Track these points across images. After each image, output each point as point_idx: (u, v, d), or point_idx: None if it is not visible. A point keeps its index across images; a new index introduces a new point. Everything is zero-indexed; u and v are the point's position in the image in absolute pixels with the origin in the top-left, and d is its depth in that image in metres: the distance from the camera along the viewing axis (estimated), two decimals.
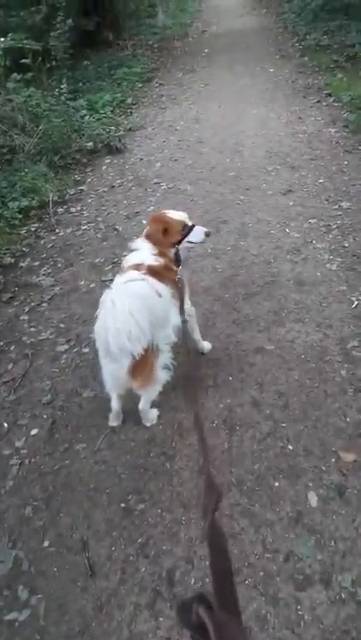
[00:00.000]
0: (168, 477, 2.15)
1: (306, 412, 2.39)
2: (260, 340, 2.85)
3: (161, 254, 2.31)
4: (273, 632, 1.64)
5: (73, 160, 5.79)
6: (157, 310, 2.02)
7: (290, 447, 2.23)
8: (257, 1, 17.24)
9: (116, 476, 2.18)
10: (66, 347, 2.99)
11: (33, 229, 4.41)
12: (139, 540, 1.93)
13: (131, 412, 2.38)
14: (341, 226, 3.91)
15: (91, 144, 6.07)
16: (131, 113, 7.43)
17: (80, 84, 8.35)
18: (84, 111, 6.86)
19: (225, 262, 3.60)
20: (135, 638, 1.67)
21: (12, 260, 3.94)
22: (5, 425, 2.52)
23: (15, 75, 6.50)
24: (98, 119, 6.77)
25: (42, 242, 4.21)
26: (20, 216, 4.50)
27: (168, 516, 2.00)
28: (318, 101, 6.92)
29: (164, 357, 2.22)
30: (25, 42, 6.68)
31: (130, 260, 2.27)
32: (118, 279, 2.22)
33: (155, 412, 2.39)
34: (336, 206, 4.20)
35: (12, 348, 3.04)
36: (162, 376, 2.22)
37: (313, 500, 2.02)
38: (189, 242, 2.36)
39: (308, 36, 10.25)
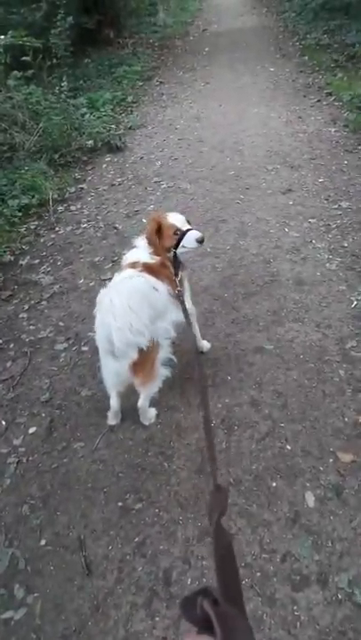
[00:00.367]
0: (166, 477, 2.14)
1: (304, 412, 2.38)
2: (260, 340, 2.84)
3: (157, 252, 2.30)
4: (269, 633, 1.63)
5: (73, 158, 5.77)
6: (156, 303, 2.02)
7: (288, 447, 2.22)
8: (257, 0, 17.19)
9: (113, 475, 2.17)
10: (65, 345, 2.98)
11: (33, 227, 4.40)
12: (136, 540, 1.92)
13: (129, 411, 2.37)
14: (341, 225, 3.90)
15: (91, 142, 6.06)
16: (131, 111, 7.41)
17: (80, 82, 8.32)
18: (85, 109, 6.84)
19: (224, 261, 3.59)
20: (131, 638, 1.66)
21: (12, 258, 3.92)
22: (3, 423, 2.51)
23: (15, 72, 6.48)
24: (98, 117, 6.74)
25: (41, 240, 4.19)
26: (20, 214, 4.49)
27: (165, 516, 1.99)
28: (319, 101, 6.90)
29: (164, 353, 2.22)
30: (25, 39, 6.64)
31: (128, 258, 2.27)
32: (116, 277, 2.21)
33: (153, 411, 2.39)
34: (336, 206, 4.19)
35: (11, 345, 3.03)
36: (162, 372, 2.23)
37: (310, 500, 2.01)
38: (183, 246, 2.32)
39: (308, 36, 10.22)
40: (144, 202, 4.59)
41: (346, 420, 2.33)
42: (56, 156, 5.66)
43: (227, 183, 4.78)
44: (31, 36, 7.03)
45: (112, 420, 2.37)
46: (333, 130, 5.81)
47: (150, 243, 2.27)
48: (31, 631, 1.71)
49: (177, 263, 2.32)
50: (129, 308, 1.85)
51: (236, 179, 4.85)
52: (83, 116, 6.63)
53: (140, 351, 1.99)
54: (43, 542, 1.96)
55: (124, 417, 2.40)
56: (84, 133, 6.21)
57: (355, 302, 3.05)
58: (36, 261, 3.88)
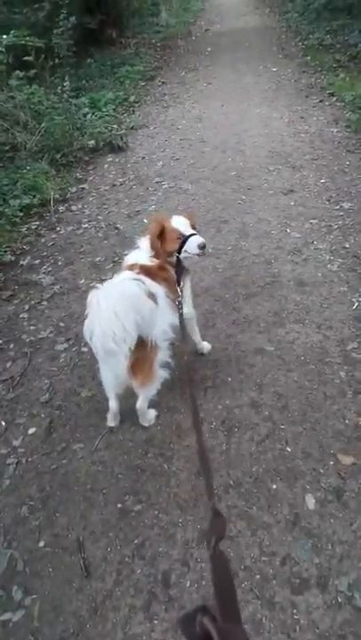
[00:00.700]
0: (165, 479, 2.13)
1: (305, 414, 2.37)
2: (260, 341, 2.83)
3: (157, 256, 2.29)
4: (268, 636, 1.62)
5: (75, 158, 5.77)
6: (145, 310, 1.97)
7: (288, 449, 2.21)
8: (260, 0, 17.18)
9: (113, 476, 2.16)
10: (65, 345, 2.97)
11: (34, 227, 4.40)
12: (135, 542, 1.91)
13: (129, 412, 2.36)
14: (343, 226, 3.88)
15: (93, 142, 6.06)
16: (133, 111, 7.41)
17: (83, 82, 8.32)
18: (87, 109, 6.84)
19: (226, 262, 3.58)
20: None
21: (13, 258, 3.92)
22: (3, 423, 2.50)
23: (18, 72, 6.48)
24: (100, 117, 6.74)
25: (42, 240, 4.19)
26: (22, 214, 4.48)
27: (165, 518, 1.98)
28: (321, 101, 6.90)
29: (163, 355, 2.20)
30: (28, 39, 6.64)
31: (127, 259, 2.26)
32: (115, 279, 2.21)
33: (153, 413, 2.38)
34: (337, 206, 4.18)
35: (12, 346, 3.02)
36: (161, 374, 2.21)
37: (311, 502, 2.00)
38: (185, 252, 2.30)
39: (310, 36, 10.22)
40: (145, 202, 4.58)
41: (347, 422, 2.31)
42: (58, 156, 5.66)
43: (228, 183, 4.77)
44: (34, 35, 7.02)
45: (111, 421, 2.37)
46: (335, 130, 5.81)
47: (152, 246, 2.25)
48: (29, 633, 1.70)
49: (180, 269, 2.29)
50: (114, 314, 1.82)
51: (237, 179, 4.84)
52: (85, 115, 6.64)
53: (139, 352, 1.98)
54: (41, 544, 1.95)
55: (123, 418, 2.39)
56: (85, 133, 6.21)
57: (356, 304, 3.04)
58: (37, 261, 3.87)
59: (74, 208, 4.69)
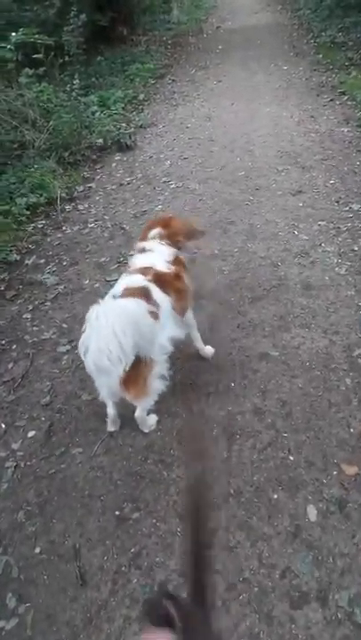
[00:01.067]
0: (165, 486, 2.09)
1: (309, 422, 2.32)
2: (265, 346, 2.78)
3: (176, 262, 2.26)
4: None
5: (82, 157, 5.74)
6: (145, 331, 1.92)
7: (291, 458, 2.16)
8: None
9: (111, 482, 2.13)
10: (67, 347, 2.94)
11: (40, 226, 4.38)
12: (132, 550, 1.88)
13: (129, 416, 2.32)
14: (352, 228, 3.81)
15: (101, 141, 6.03)
16: (142, 110, 7.36)
17: (92, 80, 8.28)
18: (96, 107, 6.80)
19: (231, 264, 3.53)
20: None
21: (18, 257, 3.90)
22: (3, 426, 2.48)
23: (27, 70, 6.47)
24: (109, 115, 6.71)
25: (48, 239, 4.17)
26: (28, 213, 4.46)
27: (163, 527, 1.95)
28: (332, 100, 6.80)
29: (160, 368, 2.15)
30: (37, 37, 6.63)
31: (139, 261, 2.22)
32: (123, 280, 2.18)
33: (153, 418, 2.34)
34: (347, 208, 4.10)
35: (14, 347, 3.00)
36: (157, 386, 2.16)
37: (312, 513, 1.96)
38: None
39: (323, 33, 10.08)
40: (152, 202, 4.54)
41: (351, 430, 2.26)
42: (65, 155, 5.63)
43: (236, 184, 4.71)
44: (43, 33, 7.01)
45: (111, 426, 2.33)
46: (346, 130, 5.72)
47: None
48: None
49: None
50: (113, 332, 1.78)
51: (245, 179, 4.78)
52: (93, 114, 6.60)
53: (132, 369, 1.91)
54: (37, 550, 1.93)
55: (124, 423, 2.36)
56: (94, 132, 6.18)
57: None
58: (42, 261, 3.85)
59: (80, 207, 4.66)
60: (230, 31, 12.54)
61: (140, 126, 6.62)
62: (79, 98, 6.59)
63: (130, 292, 2.05)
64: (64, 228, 4.31)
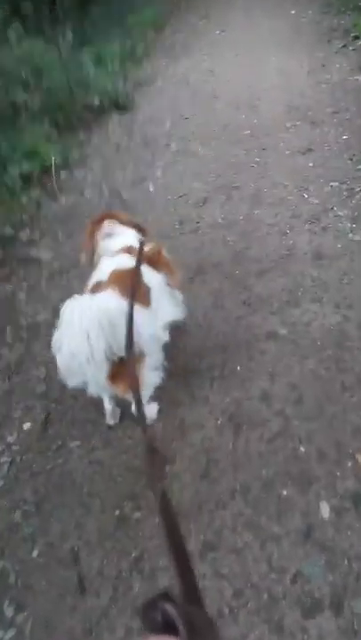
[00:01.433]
0: (167, 482, 1.95)
1: (321, 408, 2.15)
2: (273, 324, 2.58)
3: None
4: None
5: (78, 119, 5.38)
6: (120, 335, 1.64)
7: (301, 449, 2.00)
8: None
9: (110, 478, 2.00)
10: None
11: (34, 197, 4.11)
12: (133, 554, 1.76)
13: (129, 405, 2.17)
14: None
15: (97, 100, 5.63)
16: (141, 64, 6.88)
17: (88, 32, 7.73)
18: (91, 63, 6.34)
19: (237, 234, 3.28)
20: None
21: (12, 232, 3.68)
22: None
23: (17, 24, 6.02)
24: (106, 72, 6.26)
25: (43, 211, 3.92)
26: (21, 182, 4.20)
27: None
28: (344, 46, 6.27)
29: (154, 360, 1.96)
30: None
31: (114, 243, 2.01)
32: (107, 263, 1.97)
33: (154, 408, 2.18)
34: None
35: (8, 330, 2.84)
36: (151, 379, 1.97)
37: (325, 511, 1.81)
38: None
39: None
40: (152, 167, 4.24)
41: None
42: (60, 117, 5.28)
43: (241, 144, 4.37)
44: None
45: (110, 419, 2.17)
46: (360, 78, 5.26)
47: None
48: None
49: None
50: (87, 336, 1.58)
51: (251, 139, 4.43)
52: (89, 71, 6.16)
53: (117, 364, 1.71)
54: (35, 554, 1.81)
55: (124, 412, 2.20)
56: (89, 91, 5.77)
57: None
58: (37, 235, 3.62)
59: (76, 174, 4.37)
60: None
61: (139, 83, 6.19)
62: (73, 54, 6.15)
63: (119, 277, 1.85)
64: (60, 198, 4.05)
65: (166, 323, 2.01)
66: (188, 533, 1.78)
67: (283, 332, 2.53)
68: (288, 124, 4.56)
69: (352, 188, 3.57)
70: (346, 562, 1.66)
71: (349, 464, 1.93)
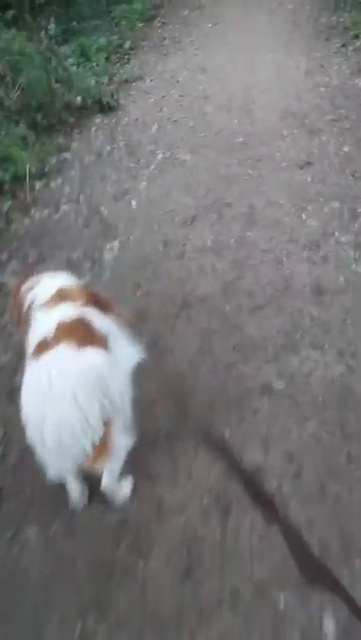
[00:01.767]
0: (140, 584, 1.64)
1: (323, 486, 1.85)
2: (268, 374, 2.27)
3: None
4: None
5: (58, 120, 4.99)
6: (114, 387, 1.46)
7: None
8: None
9: (73, 579, 1.66)
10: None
11: (5, 209, 3.74)
12: None
13: (97, 479, 1.85)
14: None
15: (79, 99, 5.24)
16: (128, 60, 6.48)
17: (73, 24, 7.30)
18: (75, 58, 5.94)
19: (227, 261, 2.96)
20: None
21: None
22: None
23: None
24: (90, 68, 5.86)
25: (13, 227, 3.55)
26: None
27: None
28: (343, 45, 5.96)
29: (123, 418, 1.65)
30: None
31: (47, 286, 1.79)
32: (45, 316, 1.65)
33: (128, 485, 1.85)
34: None
35: None
36: (122, 442, 1.67)
37: (330, 627, 1.51)
38: None
39: None
40: (135, 178, 3.89)
41: None
42: (39, 117, 4.90)
43: (234, 153, 4.04)
44: None
45: (79, 502, 1.83)
46: None
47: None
48: None
49: None
50: (75, 401, 1.33)
51: (244, 147, 4.11)
52: (72, 66, 5.76)
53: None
54: None
55: (91, 491, 1.87)
56: (72, 89, 5.38)
57: None
58: (5, 256, 3.26)
59: (52, 185, 4.01)
60: None
61: (125, 81, 5.79)
62: (55, 47, 5.74)
63: (68, 329, 1.56)
64: (32, 211, 3.67)
65: (129, 370, 1.71)
66: None
67: (279, 385, 2.22)
68: (285, 132, 4.24)
69: (354, 209, 3.27)
70: None
71: (357, 564, 1.64)
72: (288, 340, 2.43)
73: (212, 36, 7.03)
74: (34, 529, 1.81)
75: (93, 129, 4.86)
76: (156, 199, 3.60)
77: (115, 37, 7.00)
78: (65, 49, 6.07)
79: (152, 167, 4.00)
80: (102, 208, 3.58)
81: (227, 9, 8.07)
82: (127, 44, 6.95)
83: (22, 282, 1.96)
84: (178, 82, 5.60)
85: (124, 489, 1.84)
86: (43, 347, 1.55)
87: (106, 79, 5.75)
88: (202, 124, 4.55)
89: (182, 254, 3.05)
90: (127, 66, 6.28)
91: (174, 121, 4.71)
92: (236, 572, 1.64)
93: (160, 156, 4.14)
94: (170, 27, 7.69)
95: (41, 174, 4.13)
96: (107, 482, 1.74)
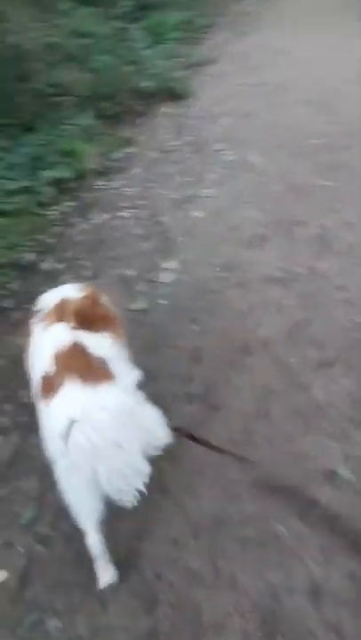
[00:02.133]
0: None
1: None
2: (332, 456, 1.83)
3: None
4: None
5: (125, 107, 4.51)
6: (148, 423, 1.32)
7: None
8: None
9: None
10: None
11: (65, 211, 3.39)
12: None
13: (123, 563, 1.53)
14: None
15: (148, 85, 4.70)
16: (202, 39, 5.78)
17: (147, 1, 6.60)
18: (147, 39, 5.35)
19: (295, 295, 2.47)
20: None
21: (34, 258, 3.01)
22: None
23: None
24: (161, 50, 5.26)
25: (71, 231, 3.20)
26: (51, 190, 3.48)
27: None
28: None
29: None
30: None
31: (51, 298, 1.69)
32: (43, 341, 1.51)
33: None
34: None
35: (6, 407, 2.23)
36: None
37: None
38: None
39: None
40: (200, 182, 3.39)
41: None
42: (107, 105, 4.44)
43: (311, 157, 3.44)
44: None
45: (105, 575, 1.53)
46: None
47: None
48: None
49: None
50: (118, 447, 1.21)
51: (322, 150, 3.49)
52: (143, 48, 5.18)
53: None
54: None
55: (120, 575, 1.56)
56: (142, 73, 4.83)
57: None
58: (60, 266, 2.93)
59: (114, 184, 3.59)
60: None
61: (197, 64, 5.15)
62: (127, 26, 5.18)
63: (68, 363, 1.39)
64: (91, 216, 3.30)
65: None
66: None
67: (345, 473, 1.78)
68: None
69: None
70: None
71: None
72: (357, 410, 1.96)
73: (295, 14, 6.17)
74: (55, 622, 1.53)
75: (160, 119, 4.35)
76: (219, 211, 3.11)
77: (190, 13, 6.26)
78: (137, 27, 5.48)
79: (218, 169, 3.49)
80: (162, 217, 3.14)
81: None
82: (202, 21, 6.23)
83: None
84: (254, 66, 4.90)
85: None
86: (48, 386, 1.38)
87: (177, 61, 5.14)
88: (278, 119, 3.93)
89: (245, 283, 2.59)
90: (200, 46, 5.61)
91: (246, 114, 4.10)
92: None
93: (228, 157, 3.61)
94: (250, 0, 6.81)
95: (103, 172, 3.72)
96: None
